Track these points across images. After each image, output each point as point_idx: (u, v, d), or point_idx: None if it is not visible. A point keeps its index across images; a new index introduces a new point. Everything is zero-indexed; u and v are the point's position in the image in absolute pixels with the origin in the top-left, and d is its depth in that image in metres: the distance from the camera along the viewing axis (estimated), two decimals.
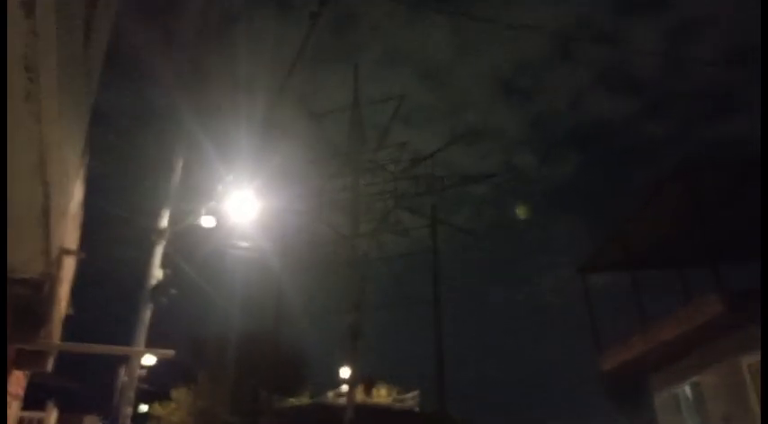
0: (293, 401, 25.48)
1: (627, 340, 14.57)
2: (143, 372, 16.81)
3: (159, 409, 24.13)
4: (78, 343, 11.08)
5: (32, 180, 4.68)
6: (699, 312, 11.61)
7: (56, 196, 5.78)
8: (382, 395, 27.35)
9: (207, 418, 23.25)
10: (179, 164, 13.97)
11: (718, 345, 11.85)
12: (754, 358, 11.07)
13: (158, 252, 13.64)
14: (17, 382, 10.70)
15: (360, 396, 23.07)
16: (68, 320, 12.52)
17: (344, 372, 22.09)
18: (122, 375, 14.22)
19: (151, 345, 13.01)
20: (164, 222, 13.76)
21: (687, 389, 13.57)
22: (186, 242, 14.36)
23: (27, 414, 13.13)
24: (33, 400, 12.85)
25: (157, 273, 13.69)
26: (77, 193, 8.00)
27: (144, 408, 25.80)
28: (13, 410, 10.85)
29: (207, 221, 14.25)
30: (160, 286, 13.86)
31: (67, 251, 7.34)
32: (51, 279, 7.30)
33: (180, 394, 24.03)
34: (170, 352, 11.18)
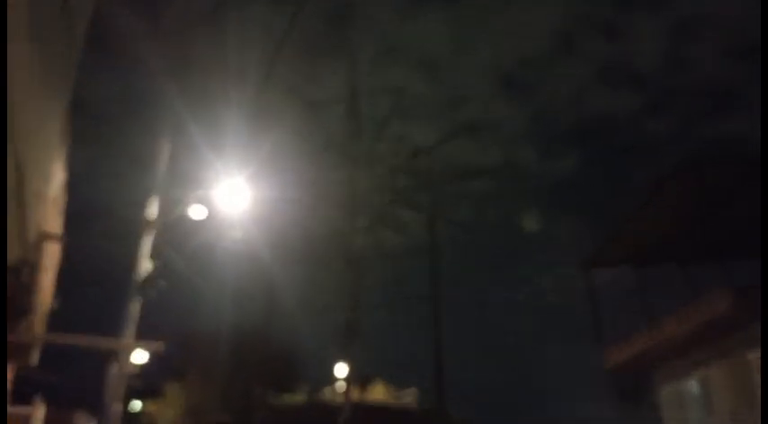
0: (288, 398, 25.21)
1: (631, 336, 14.36)
2: (135, 368, 16.52)
3: (151, 406, 23.83)
4: (63, 335, 10.80)
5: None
6: (706, 307, 11.45)
7: (31, 177, 5.50)
8: (379, 393, 27.10)
9: (198, 415, 22.96)
10: (166, 151, 13.63)
11: (725, 340, 11.64)
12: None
13: (147, 243, 13.31)
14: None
15: (356, 394, 22.79)
16: (54, 313, 12.23)
17: (339, 369, 21.80)
18: (114, 370, 13.92)
19: (140, 339, 12.70)
20: (152, 212, 13.43)
21: (693, 384, 13.35)
22: (175, 234, 14.05)
23: (14, 409, 12.83)
24: (20, 395, 12.57)
25: (146, 265, 13.37)
26: (58, 177, 7.72)
27: (137, 405, 25.49)
28: None
29: (197, 212, 13.92)
30: (149, 278, 13.54)
31: (48, 236, 7.06)
32: (30, 266, 7.01)
33: (171, 391, 23.71)
34: (159, 345, 10.89)
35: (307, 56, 22.95)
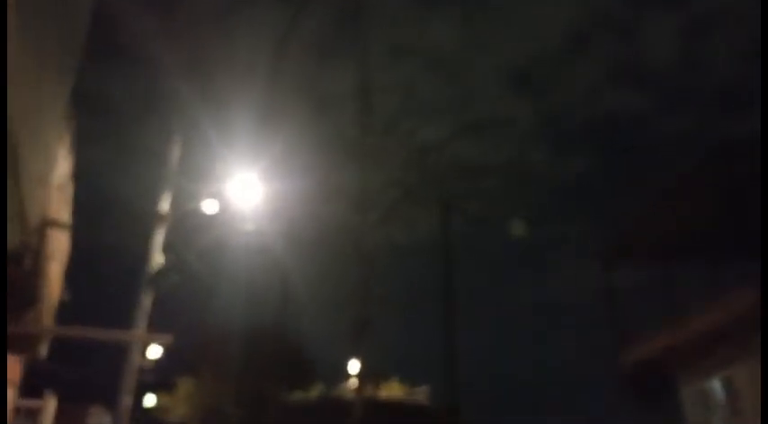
0: (301, 394, 25.08)
1: (652, 333, 14.00)
2: (149, 363, 16.45)
3: (164, 400, 23.80)
4: (73, 327, 10.70)
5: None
6: (732, 304, 11.09)
7: (29, 158, 5.33)
8: (393, 390, 26.88)
9: (210, 411, 22.88)
10: (179, 146, 13.52)
11: (752, 338, 11.24)
12: None
13: (159, 237, 13.20)
14: (11, 367, 10.29)
15: (369, 391, 22.61)
16: (64, 305, 12.13)
17: (352, 365, 21.63)
18: (127, 363, 13.82)
19: (152, 332, 12.58)
20: (165, 206, 13.32)
21: (718, 384, 12.96)
22: (188, 228, 13.94)
23: (23, 403, 12.75)
24: (29, 388, 12.48)
25: (158, 258, 13.25)
26: (63, 164, 7.58)
27: (152, 399, 25.45)
28: (9, 396, 10.46)
29: (209, 206, 13.79)
30: (162, 271, 13.43)
31: (52, 222, 6.91)
32: (33, 252, 6.86)
33: (183, 386, 23.65)
34: (168, 338, 10.77)
35: (318, 53, 22.82)
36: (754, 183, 11.64)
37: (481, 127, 23.97)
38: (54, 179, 6.84)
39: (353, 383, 21.97)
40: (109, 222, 13.79)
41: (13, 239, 5.86)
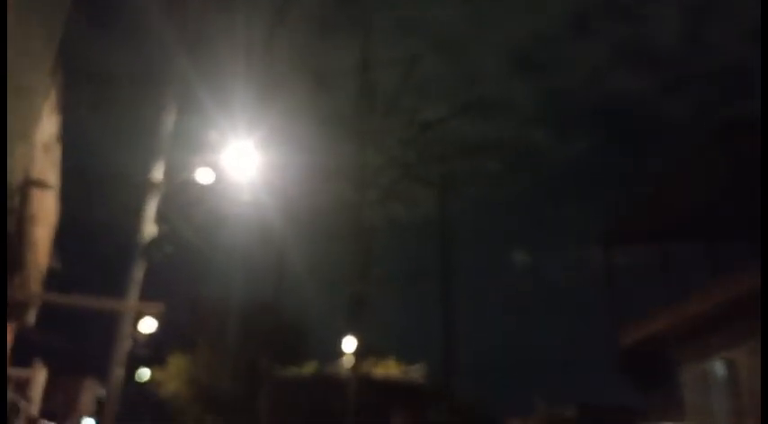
0: (296, 370, 24.96)
1: (652, 313, 13.79)
2: (143, 337, 16.22)
3: (158, 375, 23.65)
4: (62, 294, 10.45)
5: None
6: (734, 283, 10.86)
7: (11, 112, 5.04)
8: (390, 368, 26.79)
9: (204, 386, 22.77)
10: (173, 114, 13.15)
11: (754, 319, 11.00)
12: None
13: (152, 206, 12.89)
14: None
15: (365, 368, 22.49)
16: (54, 274, 11.90)
17: (347, 342, 21.45)
18: (119, 334, 13.59)
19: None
20: (158, 174, 12.98)
21: (718, 365, 12.76)
22: (182, 198, 13.62)
23: (12, 372, 12.54)
24: (17, 357, 12.27)
25: (151, 228, 12.95)
26: (49, 123, 7.26)
27: (146, 373, 25.29)
28: None
29: (204, 176, 13.45)
30: (155, 242, 13.12)
31: (36, 183, 6.62)
32: (16, 215, 6.57)
33: (177, 361, 23.47)
34: (159, 306, 10.54)
35: (319, 28, 22.37)
36: (755, 163, 11.36)
37: (482, 106, 23.61)
38: (38, 137, 6.53)
39: (348, 360, 21.82)
40: (101, 190, 13.52)
41: None
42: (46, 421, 17.93)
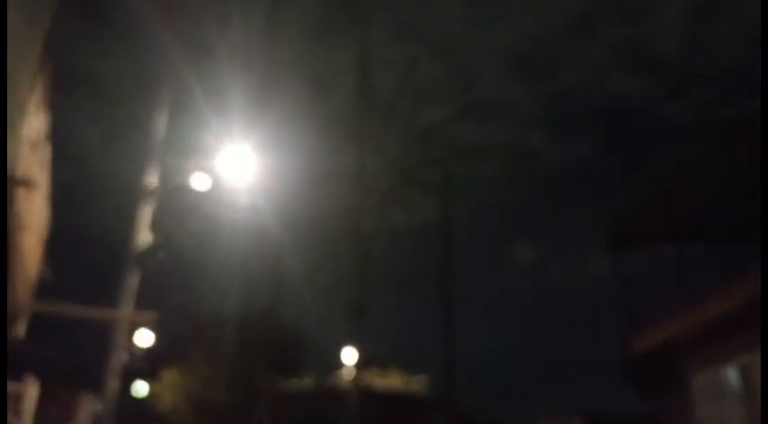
0: (297, 381, 24.49)
1: (661, 318, 13.43)
2: (140, 351, 15.80)
3: (155, 388, 23.10)
4: (51, 303, 10.06)
5: None
6: (747, 287, 10.51)
7: None
8: (393, 379, 26.34)
9: (201, 401, 22.25)
10: (167, 117, 12.80)
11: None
12: None
13: (146, 212, 12.51)
14: None
15: (365, 380, 22.04)
16: (46, 284, 11.50)
17: (347, 353, 21.03)
18: (114, 345, 13.18)
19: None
20: (151, 180, 12.61)
21: (732, 372, 12.36)
22: (177, 204, 13.24)
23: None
24: (7, 370, 11.80)
25: (145, 236, 12.57)
26: (37, 118, 6.90)
27: (143, 388, 24.70)
28: None
29: (200, 181, 13.07)
30: (149, 250, 12.73)
31: (21, 181, 6.23)
32: None
33: (172, 375, 22.94)
34: (151, 315, 10.18)
35: (318, 29, 22.12)
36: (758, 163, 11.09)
37: (481, 108, 23.38)
38: (24, 130, 6.16)
39: (348, 371, 21.37)
40: (93, 195, 13.18)
41: None
42: None
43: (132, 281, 11.98)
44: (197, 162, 12.97)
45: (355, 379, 19.53)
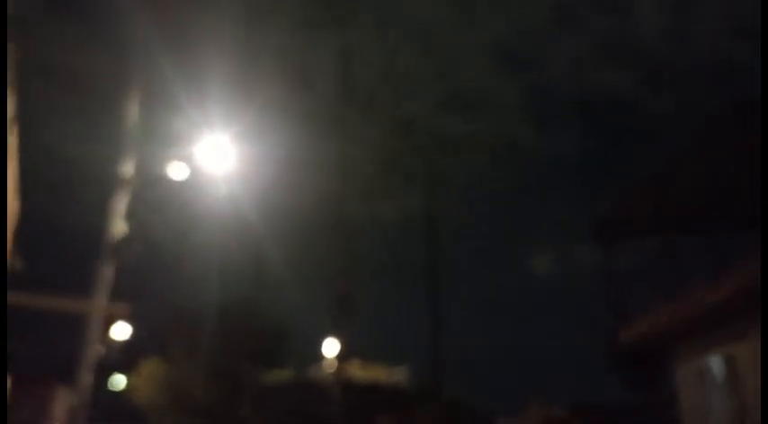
0: (276, 374, 24.21)
1: (648, 309, 13.37)
2: (116, 344, 15.45)
3: (132, 381, 22.72)
4: (20, 294, 9.70)
5: None
6: (734, 278, 10.43)
7: None
8: (374, 371, 26.16)
9: (180, 393, 21.89)
10: (143, 105, 12.39)
11: (756, 314, 10.59)
12: None
13: (121, 203, 12.13)
14: None
15: (348, 372, 21.86)
16: (16, 274, 11.13)
17: (329, 345, 20.81)
18: (88, 338, 12.82)
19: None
20: (127, 169, 12.22)
21: (717, 362, 12.32)
22: (154, 194, 12.89)
23: None
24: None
25: (120, 226, 12.19)
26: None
27: (121, 381, 24.28)
28: None
29: (177, 170, 12.70)
30: (124, 241, 12.36)
31: None
32: None
33: (150, 367, 22.54)
34: (125, 307, 9.87)
35: (300, 22, 21.80)
36: (753, 153, 10.97)
37: (464, 101, 23.27)
38: None
39: (330, 363, 21.17)
40: (67, 184, 12.79)
41: None
42: None
43: (107, 273, 11.63)
44: (175, 151, 12.63)
45: (337, 371, 19.37)
